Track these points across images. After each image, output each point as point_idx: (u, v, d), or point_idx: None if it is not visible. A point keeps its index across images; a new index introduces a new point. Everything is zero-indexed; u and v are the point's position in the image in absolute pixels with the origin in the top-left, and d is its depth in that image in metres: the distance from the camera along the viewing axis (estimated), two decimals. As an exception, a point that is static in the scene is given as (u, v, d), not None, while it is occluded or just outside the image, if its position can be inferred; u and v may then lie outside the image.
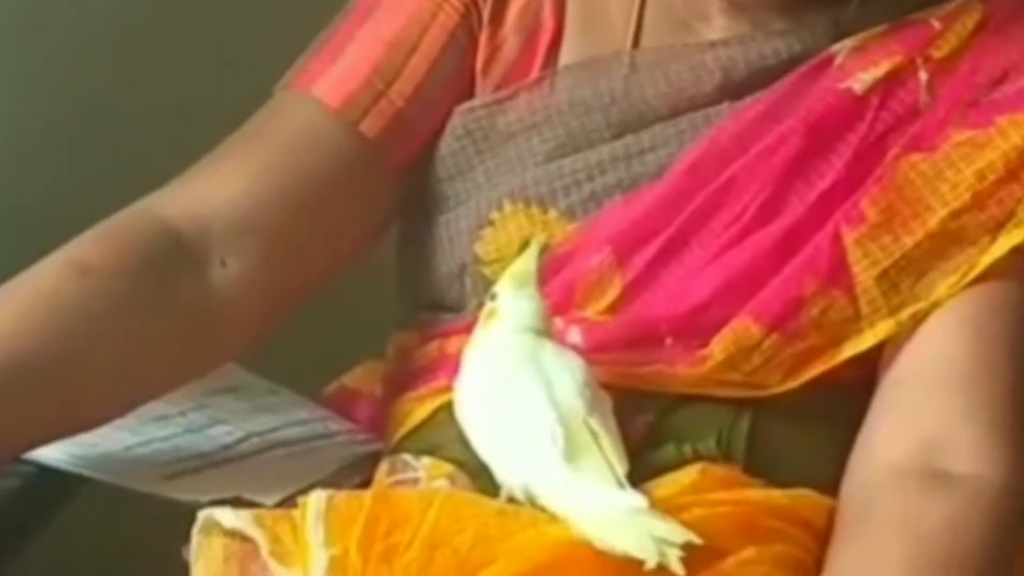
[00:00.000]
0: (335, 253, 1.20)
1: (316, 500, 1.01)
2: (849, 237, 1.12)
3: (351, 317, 1.43)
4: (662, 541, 0.98)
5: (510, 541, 1.00)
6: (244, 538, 1.01)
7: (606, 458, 1.03)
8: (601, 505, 1.00)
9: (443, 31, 1.20)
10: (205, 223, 1.15)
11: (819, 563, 1.07)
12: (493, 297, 1.09)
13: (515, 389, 1.06)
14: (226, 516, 1.02)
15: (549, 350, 1.08)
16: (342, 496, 1.02)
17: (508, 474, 1.04)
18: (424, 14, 1.20)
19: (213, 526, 1.02)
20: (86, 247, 1.12)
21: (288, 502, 1.11)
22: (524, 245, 1.12)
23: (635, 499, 1.00)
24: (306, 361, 1.29)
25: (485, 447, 1.06)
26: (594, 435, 1.04)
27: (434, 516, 1.00)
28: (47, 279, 1.10)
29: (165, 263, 1.13)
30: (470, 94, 1.21)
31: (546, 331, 1.09)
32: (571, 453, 1.03)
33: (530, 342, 1.08)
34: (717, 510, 1.04)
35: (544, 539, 1.00)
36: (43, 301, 1.09)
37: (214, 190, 1.16)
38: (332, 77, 1.19)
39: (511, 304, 1.08)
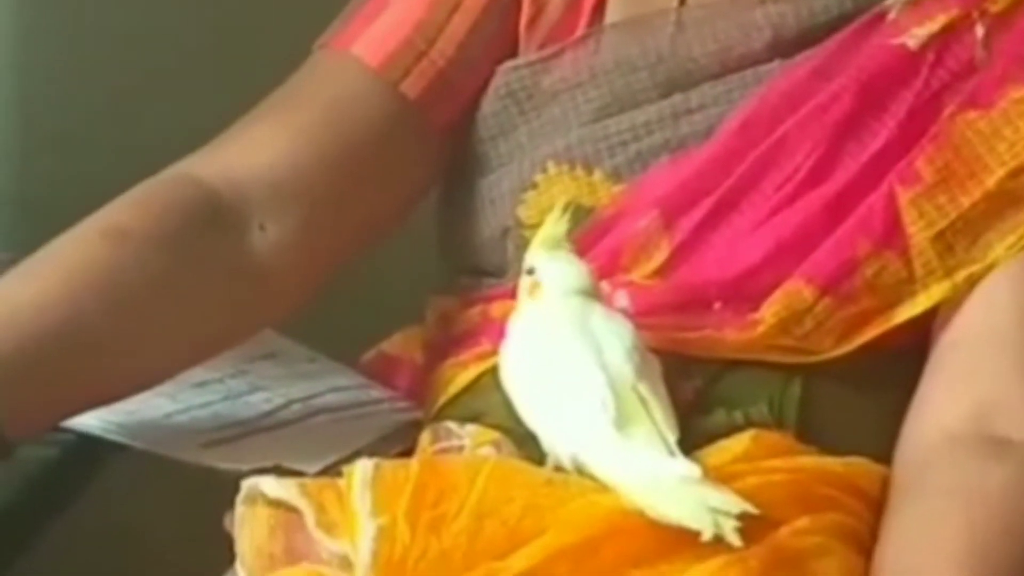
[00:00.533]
0: (376, 216, 1.17)
1: (362, 469, 0.98)
2: (904, 197, 1.09)
3: (388, 282, 1.40)
4: (717, 511, 0.95)
5: (559, 511, 0.97)
6: (289, 508, 0.99)
7: (656, 425, 1.00)
8: (653, 474, 0.98)
9: None
10: (243, 186, 1.12)
11: (873, 531, 1.04)
12: (531, 271, 1.06)
13: (563, 354, 1.03)
14: (270, 486, 0.99)
15: (598, 313, 1.05)
16: (388, 464, 0.99)
17: (556, 442, 1.02)
18: None
19: (257, 496, 1.00)
20: (121, 212, 1.10)
21: (330, 470, 1.09)
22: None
23: (688, 467, 0.97)
24: (343, 328, 1.27)
25: (532, 415, 1.03)
26: (643, 402, 1.01)
27: (482, 485, 0.98)
28: (81, 246, 1.08)
29: (203, 228, 1.10)
30: (513, 53, 1.18)
31: (593, 292, 1.06)
32: (621, 420, 1.00)
33: (578, 305, 1.05)
34: (771, 478, 1.01)
35: (594, 509, 0.97)
36: (77, 269, 1.07)
37: (251, 153, 1.14)
38: (372, 36, 1.16)
39: (551, 271, 1.06)
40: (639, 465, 0.98)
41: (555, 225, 1.06)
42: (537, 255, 1.06)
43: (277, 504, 0.99)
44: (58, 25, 1.58)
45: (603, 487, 0.99)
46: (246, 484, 1.00)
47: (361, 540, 0.96)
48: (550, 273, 1.06)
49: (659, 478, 0.98)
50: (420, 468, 0.99)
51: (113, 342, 1.06)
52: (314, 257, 1.14)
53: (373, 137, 1.15)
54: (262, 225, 1.12)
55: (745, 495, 0.97)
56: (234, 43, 1.57)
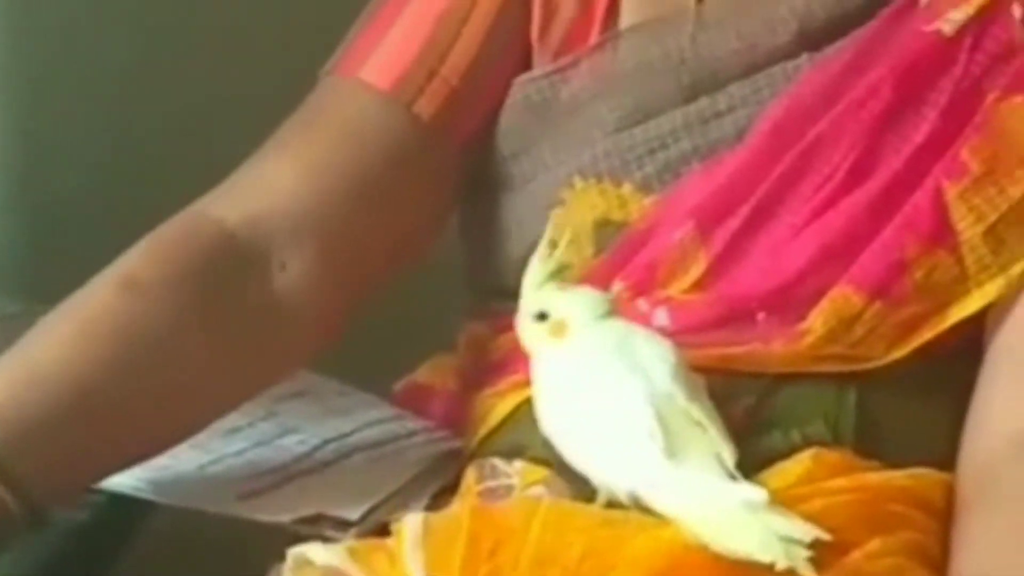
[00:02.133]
0: (400, 244, 1.11)
1: (412, 525, 0.93)
2: (951, 191, 1.03)
3: (416, 309, 1.35)
4: (787, 540, 0.89)
5: (621, 551, 0.92)
6: (338, 572, 0.94)
7: (713, 448, 0.95)
8: (714, 501, 0.92)
9: (495, 1, 1.11)
10: (260, 225, 1.07)
11: (943, 543, 1.00)
12: (543, 315, 1.00)
13: (608, 385, 0.97)
14: (318, 552, 0.94)
15: (640, 336, 0.99)
16: (437, 518, 0.94)
17: (607, 479, 0.96)
18: None
19: (305, 563, 0.95)
20: (138, 261, 1.05)
21: (373, 513, 1.04)
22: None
23: (753, 492, 0.92)
24: (372, 357, 1.22)
25: (580, 456, 0.98)
26: (697, 423, 0.96)
27: (538, 531, 0.93)
28: (100, 299, 1.03)
29: (222, 271, 1.05)
30: (527, 64, 1.12)
31: (620, 315, 1.01)
32: (673, 446, 0.95)
33: (618, 330, 0.99)
34: (837, 499, 0.96)
35: (656, 545, 0.92)
36: (99, 324, 1.01)
37: (266, 189, 1.08)
38: (380, 58, 1.10)
39: (573, 304, 0.99)
40: (698, 494, 0.93)
41: (547, 261, 1.00)
42: (547, 295, 1.00)
43: (326, 570, 0.94)
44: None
45: (663, 521, 0.94)
46: (292, 553, 0.95)
47: (417, 602, 0.91)
48: (573, 307, 1.00)
49: (721, 506, 0.92)
50: (471, 518, 0.94)
51: (140, 397, 1.01)
52: (339, 291, 1.08)
53: (389, 163, 1.09)
54: (282, 263, 1.07)
55: (811, 519, 0.92)
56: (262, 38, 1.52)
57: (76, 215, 1.54)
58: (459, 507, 0.98)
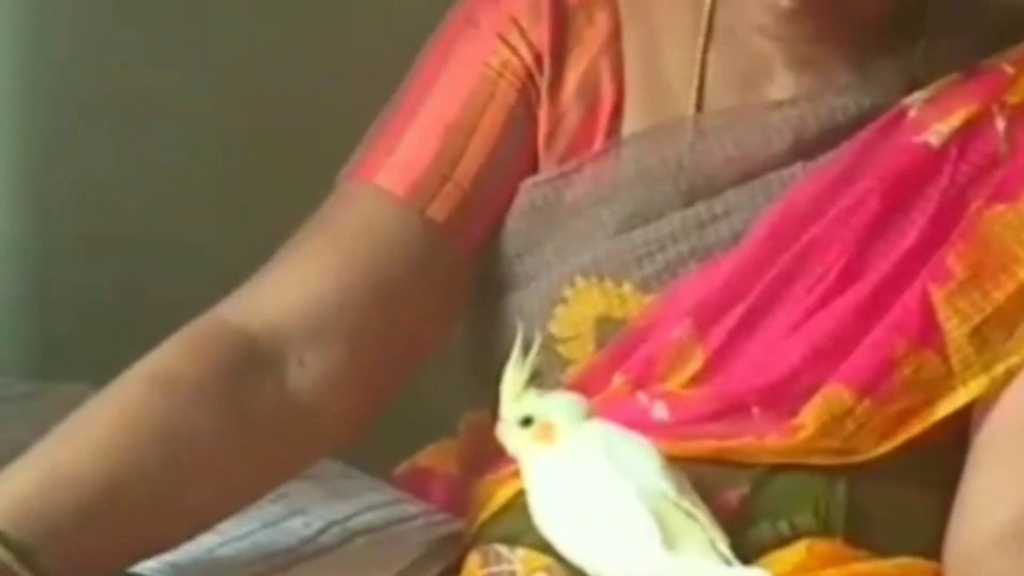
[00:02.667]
0: (416, 341, 1.15)
1: None
2: (938, 295, 1.07)
3: (419, 396, 1.38)
4: None
5: None
6: None
7: (707, 536, 0.99)
8: None
9: (502, 109, 1.15)
10: (277, 325, 1.10)
11: (930, 632, 1.03)
12: (528, 420, 1.03)
13: (597, 482, 1.01)
14: None
15: (619, 436, 1.03)
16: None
17: (610, 574, 1.00)
18: (481, 94, 1.15)
19: None
20: (164, 360, 1.08)
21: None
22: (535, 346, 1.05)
23: (757, 573, 0.95)
24: (374, 441, 1.25)
25: (577, 553, 1.01)
26: (689, 515, 0.99)
27: None
28: (133, 395, 1.06)
29: (243, 371, 1.08)
30: (534, 169, 1.16)
31: (594, 417, 1.05)
32: (670, 539, 0.98)
33: (599, 432, 1.03)
34: (835, 585, 1.00)
35: None
36: (130, 420, 1.04)
37: (283, 291, 1.11)
38: (395, 165, 1.14)
39: (558, 409, 1.03)
40: None
41: (522, 369, 1.04)
42: (530, 401, 1.04)
43: None
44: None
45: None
46: None
47: None
48: (558, 411, 1.04)
49: None
50: None
51: (169, 492, 1.04)
52: (357, 389, 1.11)
53: (405, 264, 1.13)
54: (300, 361, 1.10)
55: None
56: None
57: (91, 299, 1.57)
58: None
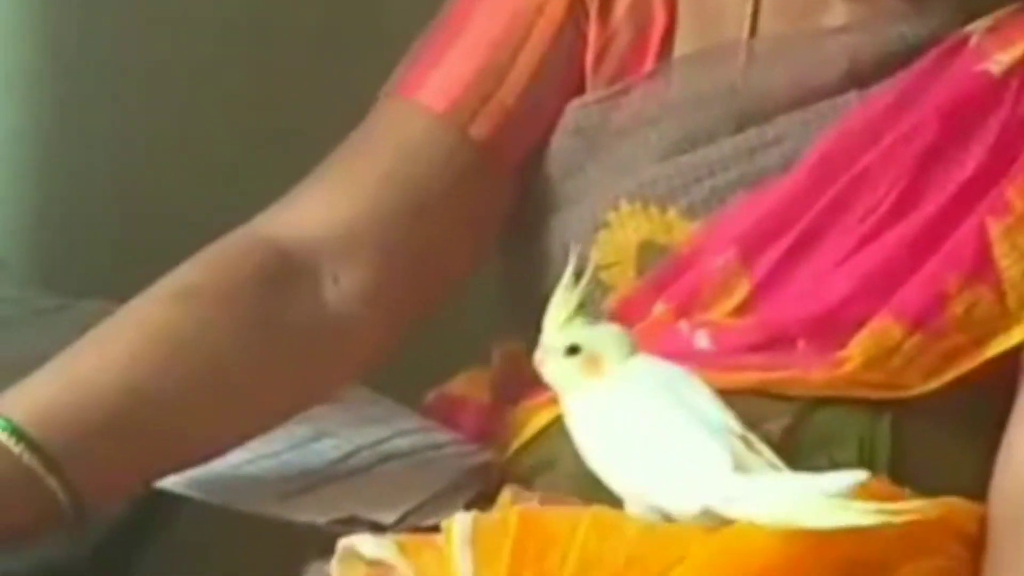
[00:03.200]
0: (451, 262, 1.12)
1: (461, 525, 0.93)
2: (995, 229, 1.04)
3: (448, 324, 1.36)
4: (883, 511, 0.91)
5: (667, 557, 0.93)
6: (386, 566, 0.94)
7: (770, 463, 0.96)
8: (807, 492, 0.92)
9: (550, 26, 1.12)
10: (314, 240, 1.07)
11: (972, 573, 1.00)
12: (575, 348, 0.99)
13: (658, 416, 0.98)
14: (368, 545, 0.94)
15: (676, 373, 1.00)
16: (487, 519, 0.94)
17: (674, 502, 0.96)
18: (529, 10, 1.12)
19: (352, 555, 0.95)
20: (191, 273, 1.05)
21: (407, 518, 1.04)
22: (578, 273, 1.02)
23: (852, 476, 0.92)
24: (404, 368, 1.22)
25: (634, 485, 0.98)
26: (751, 445, 0.96)
27: (583, 536, 0.93)
28: (157, 309, 1.03)
29: (275, 284, 1.05)
30: (581, 90, 1.13)
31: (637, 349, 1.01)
32: (740, 468, 0.95)
33: (649, 365, 0.99)
34: (878, 519, 0.97)
35: (706, 552, 0.93)
36: (156, 331, 1.02)
37: (320, 206, 1.09)
38: (437, 81, 1.11)
39: (607, 341, 0.99)
40: (786, 493, 0.93)
41: (573, 295, 1.00)
42: (577, 330, 0.99)
43: (374, 563, 0.94)
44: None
45: (709, 531, 0.94)
46: (342, 543, 0.95)
47: (463, 599, 0.91)
48: (607, 344, 1.00)
49: (817, 492, 0.92)
50: (519, 522, 0.94)
51: (193, 405, 1.01)
52: (392, 307, 1.09)
53: (444, 182, 1.10)
54: (335, 277, 1.07)
55: (856, 537, 0.93)
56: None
57: (110, 212, 1.55)
58: (508, 510, 0.98)
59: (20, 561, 1.05)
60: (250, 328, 1.04)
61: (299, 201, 1.10)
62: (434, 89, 1.11)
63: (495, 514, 0.96)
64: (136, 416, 0.99)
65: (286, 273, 1.06)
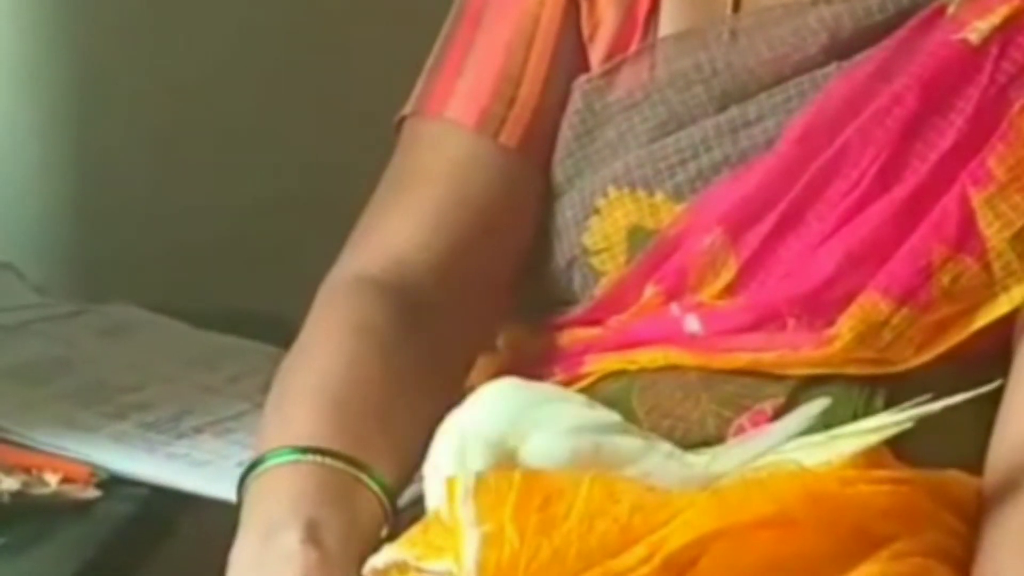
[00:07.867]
0: (515, 268, 1.10)
1: (464, 479, 0.90)
2: (977, 198, 1.00)
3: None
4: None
5: (670, 510, 0.91)
6: (405, 565, 0.91)
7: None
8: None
9: (554, 17, 1.09)
10: (405, 275, 1.06)
11: (968, 546, 0.96)
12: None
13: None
14: (379, 558, 0.92)
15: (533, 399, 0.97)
16: (490, 473, 0.91)
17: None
18: (532, 4, 1.09)
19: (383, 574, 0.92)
20: (358, 311, 1.04)
21: (419, 503, 1.00)
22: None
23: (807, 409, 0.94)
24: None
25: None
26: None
27: (587, 489, 0.91)
28: (344, 343, 1.02)
29: (403, 324, 1.04)
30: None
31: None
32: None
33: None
34: (881, 488, 0.94)
35: (708, 507, 0.91)
36: (359, 356, 1.01)
37: (395, 241, 1.07)
38: (461, 95, 1.08)
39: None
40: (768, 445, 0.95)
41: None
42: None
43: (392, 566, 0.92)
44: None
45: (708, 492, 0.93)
46: (365, 572, 0.92)
47: (466, 550, 0.89)
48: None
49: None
50: (522, 477, 0.91)
51: (397, 419, 1.01)
52: (483, 325, 1.10)
53: (491, 194, 1.08)
54: (432, 306, 1.05)
55: (855, 504, 0.92)
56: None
57: (130, 219, 1.54)
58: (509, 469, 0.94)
59: (28, 562, 1.04)
60: (409, 361, 1.03)
61: (373, 241, 1.08)
62: (460, 103, 1.09)
63: (498, 471, 0.92)
64: (385, 407, 0.99)
65: (395, 309, 1.04)
